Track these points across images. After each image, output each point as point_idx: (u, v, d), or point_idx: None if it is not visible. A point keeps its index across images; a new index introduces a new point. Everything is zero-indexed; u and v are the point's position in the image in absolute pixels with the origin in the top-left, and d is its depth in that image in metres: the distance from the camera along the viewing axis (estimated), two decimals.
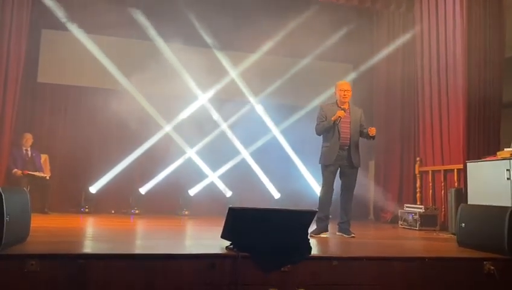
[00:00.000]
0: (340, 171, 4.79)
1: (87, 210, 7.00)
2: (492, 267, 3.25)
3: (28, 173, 6.58)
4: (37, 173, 6.66)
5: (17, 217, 3.00)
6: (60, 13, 7.14)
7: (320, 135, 4.90)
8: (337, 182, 4.89)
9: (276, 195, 8.02)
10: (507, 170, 4.89)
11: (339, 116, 4.69)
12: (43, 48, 7.37)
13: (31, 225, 3.35)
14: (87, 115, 7.09)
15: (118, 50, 7.37)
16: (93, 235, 4.44)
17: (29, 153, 6.83)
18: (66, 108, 7.27)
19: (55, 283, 2.69)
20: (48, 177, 6.77)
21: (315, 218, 4.63)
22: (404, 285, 3.16)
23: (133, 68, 7.19)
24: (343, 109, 4.77)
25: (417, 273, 3.20)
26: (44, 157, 6.97)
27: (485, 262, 3.28)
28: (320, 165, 4.87)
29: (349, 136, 4.75)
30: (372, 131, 4.71)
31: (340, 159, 4.74)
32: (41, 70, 7.37)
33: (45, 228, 4.57)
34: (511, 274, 3.30)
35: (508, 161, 4.92)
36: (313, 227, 4.62)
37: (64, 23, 7.19)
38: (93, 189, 7.28)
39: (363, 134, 4.86)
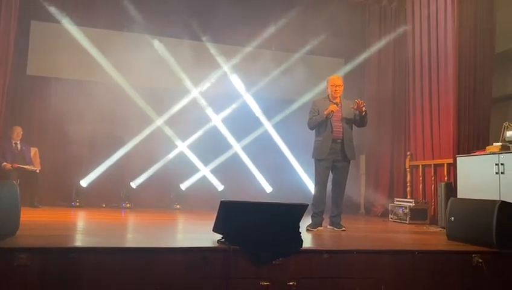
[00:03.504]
0: (332, 165, 4.81)
1: (77, 204, 6.95)
2: (480, 260, 3.30)
3: (18, 167, 6.52)
4: (27, 167, 6.60)
5: (6, 211, 2.98)
6: (49, 4, 7.04)
7: (312, 130, 4.91)
8: (329, 176, 4.91)
9: (268, 189, 8.03)
10: (496, 164, 4.95)
11: (332, 111, 4.71)
12: (33, 40, 7.27)
13: (21, 219, 3.32)
14: (78, 108, 7.01)
15: (108, 43, 7.27)
16: (84, 229, 4.42)
17: (19, 146, 6.76)
18: (56, 101, 7.17)
19: (46, 276, 2.68)
20: (38, 171, 6.71)
21: (311, 213, 4.68)
22: (394, 278, 3.19)
23: (124, 61, 7.13)
24: (336, 103, 4.78)
25: (407, 266, 3.23)
26: (34, 150, 6.90)
27: (473, 255, 3.33)
28: (313, 159, 4.89)
29: (341, 129, 4.76)
30: (358, 104, 4.65)
31: (333, 153, 4.75)
32: (31, 63, 7.27)
33: (35, 222, 4.53)
34: (498, 267, 3.36)
35: (497, 155, 4.98)
36: (308, 222, 4.66)
37: (54, 15, 7.09)
38: (84, 183, 7.24)
39: (357, 122, 4.86)
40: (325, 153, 4.74)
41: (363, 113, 4.75)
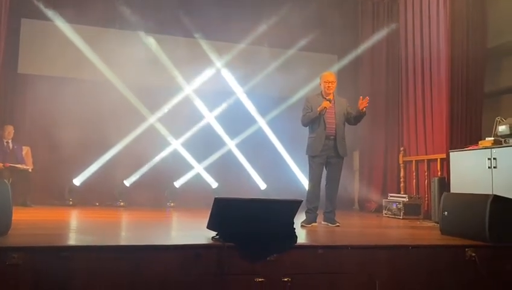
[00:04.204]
0: (326, 162, 4.82)
1: (71, 203, 6.90)
2: (473, 254, 3.32)
3: (10, 166, 6.45)
4: (18, 166, 6.53)
5: None
6: (40, 2, 6.97)
7: (306, 126, 4.92)
8: (323, 172, 4.92)
9: (263, 186, 8.03)
10: (488, 158, 4.98)
11: (325, 107, 4.71)
12: (23, 37, 7.19)
13: (13, 219, 3.29)
14: (70, 106, 6.95)
15: (100, 40, 7.22)
16: (77, 228, 4.39)
17: (11, 145, 6.69)
18: (47, 99, 7.10)
19: (38, 276, 2.65)
20: (30, 170, 6.65)
21: (305, 209, 4.68)
22: (388, 273, 3.20)
23: (117, 59, 7.08)
24: (329, 100, 4.78)
25: (401, 261, 3.24)
26: (26, 149, 6.83)
27: (466, 249, 3.35)
28: (307, 156, 4.89)
29: (334, 126, 4.77)
30: (364, 103, 4.62)
31: (326, 149, 4.76)
32: (22, 61, 7.20)
33: (27, 221, 4.49)
34: (491, 260, 3.38)
35: (489, 149, 5.01)
36: (302, 218, 4.67)
37: (45, 12, 7.02)
38: (77, 181, 7.20)
39: (350, 120, 4.87)
40: (319, 150, 4.75)
41: (362, 113, 4.74)
